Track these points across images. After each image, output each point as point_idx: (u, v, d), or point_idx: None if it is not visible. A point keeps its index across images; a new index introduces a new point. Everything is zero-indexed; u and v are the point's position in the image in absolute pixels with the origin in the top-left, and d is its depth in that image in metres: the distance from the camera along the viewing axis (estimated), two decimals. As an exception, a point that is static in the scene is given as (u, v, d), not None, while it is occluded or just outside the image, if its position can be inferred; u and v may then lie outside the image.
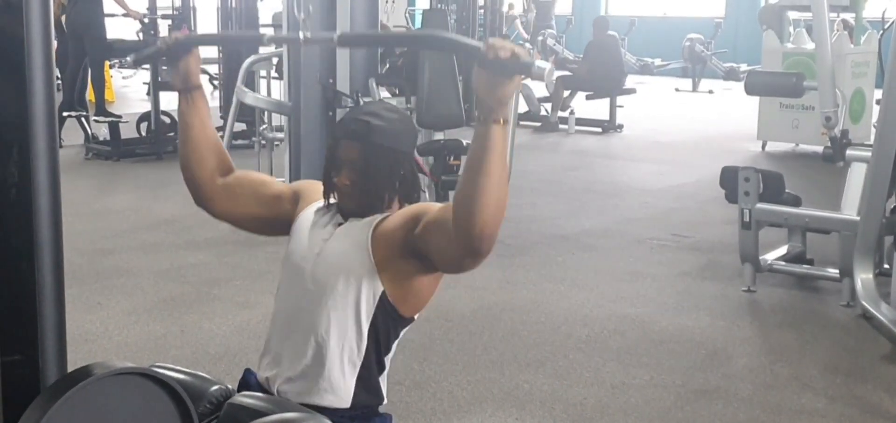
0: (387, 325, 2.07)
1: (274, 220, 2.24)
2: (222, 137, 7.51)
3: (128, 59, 2.36)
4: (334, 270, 2.04)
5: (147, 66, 9.36)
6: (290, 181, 6.57)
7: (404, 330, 2.12)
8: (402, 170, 2.09)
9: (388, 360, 2.11)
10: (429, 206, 2.04)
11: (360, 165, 2.06)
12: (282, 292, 2.16)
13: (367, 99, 6.24)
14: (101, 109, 9.97)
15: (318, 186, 2.22)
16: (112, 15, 11.05)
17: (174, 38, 2.17)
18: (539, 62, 1.69)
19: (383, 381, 2.11)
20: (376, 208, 2.09)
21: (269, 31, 2.12)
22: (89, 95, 10.97)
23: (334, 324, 2.03)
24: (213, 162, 2.24)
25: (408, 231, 1.99)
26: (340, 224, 2.11)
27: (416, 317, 2.12)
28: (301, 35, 1.97)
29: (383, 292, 2.03)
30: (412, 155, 2.12)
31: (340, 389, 2.04)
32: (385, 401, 2.12)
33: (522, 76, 1.70)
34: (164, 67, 9.19)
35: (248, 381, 2.16)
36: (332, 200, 2.13)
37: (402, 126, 2.12)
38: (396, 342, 2.12)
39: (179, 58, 2.16)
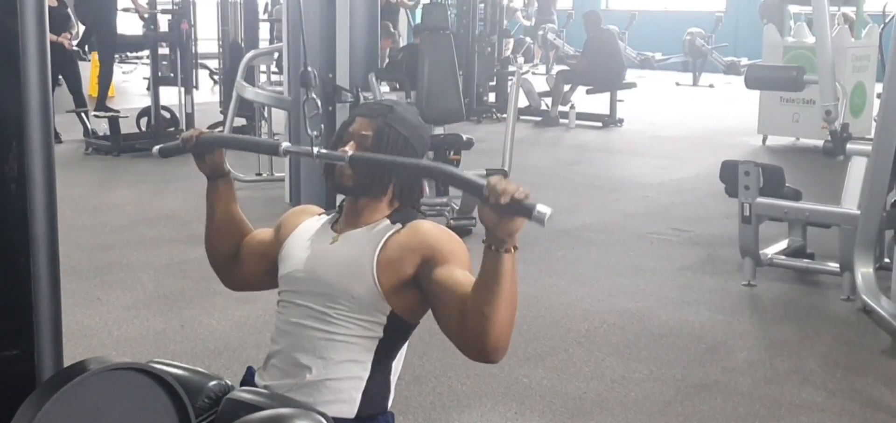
0: (395, 336, 2.05)
1: (272, 264, 2.23)
2: (222, 132, 7.52)
3: (153, 150, 2.39)
4: (336, 290, 2.01)
5: (147, 60, 9.35)
6: (290, 176, 6.62)
7: (411, 333, 2.11)
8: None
9: (395, 363, 2.10)
10: (439, 247, 1.98)
11: (370, 141, 2.06)
12: (282, 310, 2.12)
13: (366, 94, 6.23)
14: (102, 105, 9.98)
15: (303, 210, 2.26)
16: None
17: (195, 139, 2.21)
18: (540, 207, 1.67)
19: (393, 384, 2.10)
20: (371, 190, 2.07)
21: (285, 142, 2.18)
22: (90, 90, 11.01)
23: (340, 344, 2.00)
24: (233, 243, 2.29)
25: (417, 270, 1.98)
26: (335, 239, 2.08)
27: (421, 320, 2.11)
28: (314, 150, 2.02)
29: (391, 311, 2.01)
30: (420, 157, 2.11)
31: (345, 401, 2.02)
32: (388, 408, 2.10)
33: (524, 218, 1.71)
34: (164, 63, 9.20)
35: (249, 380, 2.15)
36: (329, 181, 2.11)
37: (419, 126, 2.15)
38: (405, 346, 2.11)
39: (204, 154, 2.23)
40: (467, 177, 1.82)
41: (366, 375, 2.03)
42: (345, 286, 2.01)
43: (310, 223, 2.18)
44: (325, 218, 2.19)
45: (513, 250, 1.77)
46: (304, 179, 6.29)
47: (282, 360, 2.08)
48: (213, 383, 2.06)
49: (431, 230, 2.03)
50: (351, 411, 2.03)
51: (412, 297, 2.01)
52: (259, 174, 7.66)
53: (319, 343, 2.01)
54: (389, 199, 2.10)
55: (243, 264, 2.29)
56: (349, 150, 2.03)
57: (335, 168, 2.08)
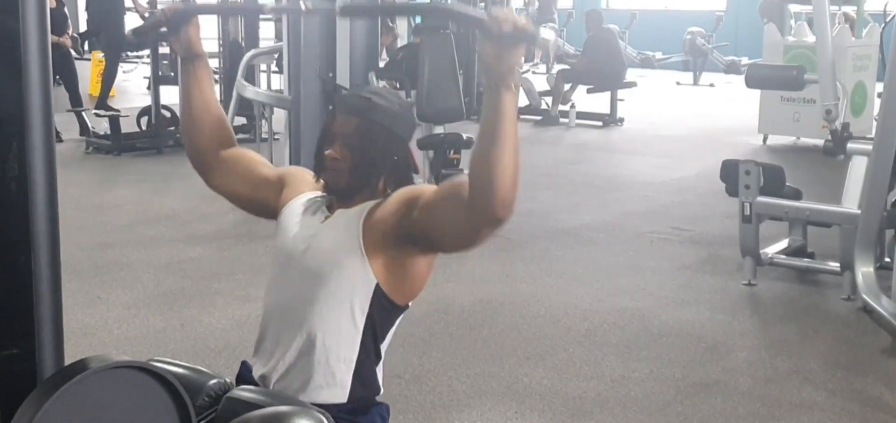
0: (382, 316, 2.04)
1: (258, 203, 2.24)
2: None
3: (127, 32, 2.36)
4: (325, 265, 2.01)
5: (147, 60, 9.36)
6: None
7: (400, 318, 2.10)
8: (397, 154, 2.06)
9: (384, 349, 2.09)
10: (421, 188, 2.01)
11: (355, 141, 2.03)
12: (271, 288, 2.13)
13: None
14: (103, 104, 9.99)
15: (305, 176, 2.21)
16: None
17: (173, 9, 2.18)
18: (543, 32, 1.70)
19: (380, 370, 2.10)
20: (365, 188, 2.06)
21: (270, 1, 2.15)
22: (90, 89, 11.03)
23: (328, 320, 2.01)
24: (210, 134, 2.24)
25: (401, 216, 1.97)
26: (328, 217, 2.08)
27: (410, 304, 2.10)
28: (303, 5, 1.98)
29: (377, 284, 2.01)
30: (407, 143, 2.10)
31: (337, 384, 2.02)
32: (382, 391, 2.11)
33: (527, 44, 1.72)
34: (164, 62, 9.20)
35: (244, 374, 2.15)
36: (320, 182, 2.10)
37: (402, 112, 2.11)
38: (392, 330, 2.10)
39: (179, 27, 2.17)
40: (468, 10, 1.83)
41: (354, 357, 2.02)
42: (332, 258, 2.00)
43: (307, 198, 2.16)
44: (322, 197, 2.15)
45: (513, 88, 1.75)
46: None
47: (273, 342, 2.08)
48: (214, 381, 2.06)
49: (413, 185, 2.05)
50: (343, 395, 2.03)
51: (396, 260, 2.00)
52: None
53: (308, 325, 2.01)
54: (382, 190, 2.09)
55: (229, 174, 2.24)
56: (337, 154, 2.03)
57: (327, 169, 2.06)
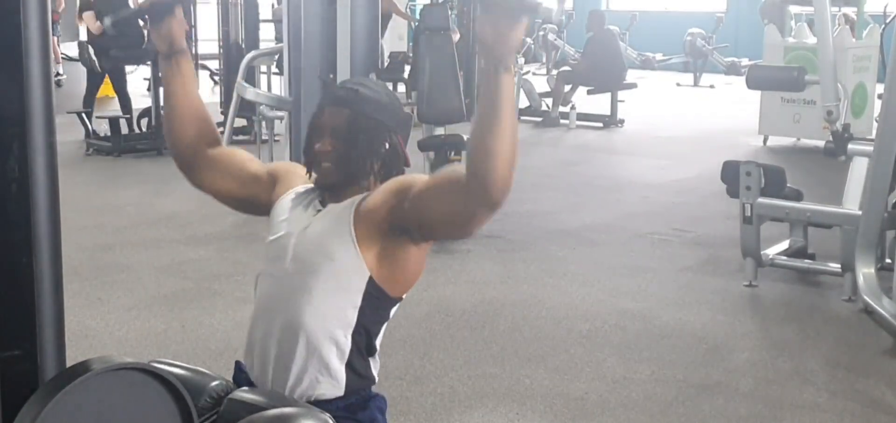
0: (375, 308, 2.03)
1: (248, 200, 2.23)
2: (222, 132, 7.53)
3: (105, 20, 2.28)
4: (316, 258, 2.00)
5: (148, 61, 9.36)
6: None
7: (393, 310, 2.08)
8: (387, 144, 2.06)
9: (378, 343, 2.08)
10: (412, 178, 1.99)
11: (344, 133, 2.02)
12: (263, 282, 2.12)
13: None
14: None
15: (296, 170, 2.20)
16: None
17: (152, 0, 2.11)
18: (545, 1, 1.67)
19: (375, 363, 2.08)
20: (356, 180, 2.05)
21: None
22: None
23: (321, 313, 1.99)
24: (195, 131, 2.20)
25: (393, 207, 1.96)
26: (320, 211, 2.07)
27: (404, 297, 2.08)
28: None
29: (370, 277, 1.99)
30: (397, 133, 2.08)
31: (331, 378, 2.01)
32: (376, 382, 2.09)
33: (529, 17, 1.70)
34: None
35: (239, 376, 2.14)
36: (312, 176, 2.09)
37: (390, 102, 2.10)
38: (385, 325, 2.08)
39: (161, 19, 2.11)
40: None
41: (347, 348, 2.01)
42: (324, 250, 1.99)
43: (299, 192, 2.14)
44: (314, 191, 2.13)
45: (512, 70, 1.75)
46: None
47: (264, 333, 2.06)
48: (215, 383, 2.05)
49: (403, 175, 2.04)
50: (339, 387, 2.01)
51: (389, 251, 1.98)
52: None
53: (300, 316, 1.99)
54: (373, 182, 2.08)
55: (216, 172, 2.21)
56: (328, 146, 2.02)
57: (317, 163, 2.05)
